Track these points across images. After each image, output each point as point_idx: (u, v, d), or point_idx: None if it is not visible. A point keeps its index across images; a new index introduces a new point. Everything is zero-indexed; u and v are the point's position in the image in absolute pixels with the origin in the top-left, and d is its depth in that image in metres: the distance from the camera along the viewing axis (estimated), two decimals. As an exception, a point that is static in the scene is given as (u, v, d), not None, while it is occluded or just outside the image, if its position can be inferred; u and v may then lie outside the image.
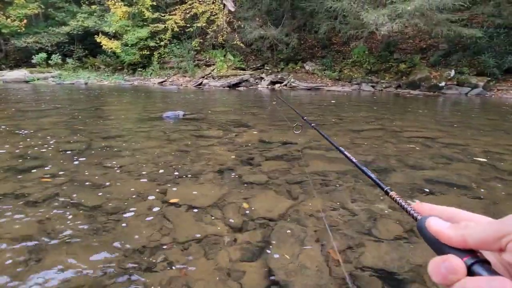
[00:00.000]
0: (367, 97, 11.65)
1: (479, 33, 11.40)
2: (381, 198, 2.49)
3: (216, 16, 17.40)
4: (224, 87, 15.31)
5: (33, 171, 2.97)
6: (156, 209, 2.28)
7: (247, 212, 2.25)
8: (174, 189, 2.63)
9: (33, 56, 19.30)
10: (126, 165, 3.19)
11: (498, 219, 0.28)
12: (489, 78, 12.23)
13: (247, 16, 17.38)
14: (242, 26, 16.96)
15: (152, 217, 2.16)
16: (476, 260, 0.28)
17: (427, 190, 2.67)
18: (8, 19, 18.69)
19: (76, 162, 3.26)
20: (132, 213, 2.21)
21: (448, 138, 4.57)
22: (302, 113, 1.96)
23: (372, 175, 0.59)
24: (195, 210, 2.26)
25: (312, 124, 1.47)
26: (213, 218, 2.16)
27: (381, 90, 13.83)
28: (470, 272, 0.28)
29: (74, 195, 2.47)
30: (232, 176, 2.93)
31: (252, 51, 18.71)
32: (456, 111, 8.23)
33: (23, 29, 18.96)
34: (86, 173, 2.95)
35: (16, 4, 18.85)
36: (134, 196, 2.48)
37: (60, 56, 19.73)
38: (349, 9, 12.45)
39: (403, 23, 10.71)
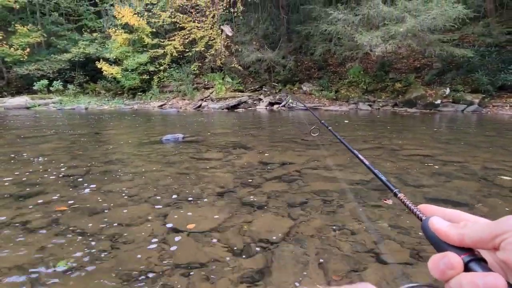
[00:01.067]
0: (364, 116, 11.77)
1: (470, 53, 11.69)
2: (384, 217, 2.48)
3: (214, 41, 17.87)
4: (223, 109, 15.49)
5: (33, 197, 2.96)
6: (156, 234, 2.26)
7: (248, 235, 2.23)
8: (175, 213, 2.61)
9: (35, 83, 19.62)
10: (126, 190, 3.18)
11: (495, 220, 0.30)
12: (484, 95, 12.42)
13: (244, 40, 17.87)
14: (240, 49, 17.40)
15: (152, 243, 2.14)
16: (473, 257, 0.30)
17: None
18: (11, 48, 19.15)
19: (76, 188, 3.26)
20: (132, 239, 2.19)
21: (447, 155, 4.59)
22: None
23: (383, 177, 0.61)
24: (196, 235, 2.25)
25: (329, 128, 1.54)
26: (214, 242, 2.14)
27: (378, 108, 14.00)
28: (467, 269, 0.30)
29: (74, 222, 2.46)
30: (232, 198, 2.92)
31: (250, 74, 19.07)
32: (453, 128, 8.30)
33: (26, 57, 19.37)
34: (86, 199, 2.94)
35: (19, 33, 19.37)
36: (134, 221, 2.46)
37: (61, 83, 20.07)
38: (343, 31, 12.83)
39: (396, 44, 11.02)
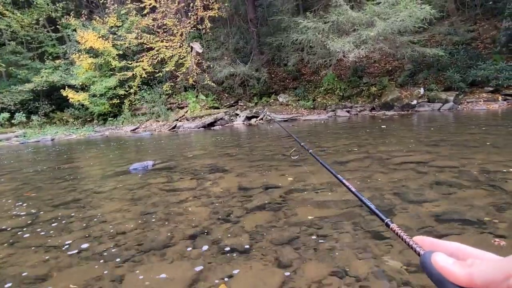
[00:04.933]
0: (344, 123, 11.55)
1: (441, 52, 11.82)
2: (391, 251, 2.03)
3: (184, 59, 17.41)
4: (199, 128, 14.93)
5: (-52, 269, 2.30)
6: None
7: (227, 300, 1.70)
8: (134, 273, 2.04)
9: (-6, 117, 18.38)
10: (75, 243, 2.58)
11: (506, 257, 0.28)
12: (457, 92, 12.57)
13: (215, 56, 17.53)
14: (212, 66, 17.02)
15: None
16: None
17: (440, 231, 2.23)
18: (-34, 82, 17.89)
19: (12, 247, 2.62)
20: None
21: (439, 160, 4.26)
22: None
23: (372, 205, 0.56)
24: (158, 306, 1.69)
25: (310, 151, 1.40)
26: (181, 317, 1.60)
27: (356, 114, 13.89)
28: None
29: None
30: (207, 242, 2.38)
31: (224, 89, 18.68)
32: (435, 128, 8.13)
33: (-18, 91, 18.14)
34: (22, 263, 2.32)
35: (-26, 66, 18.18)
36: (78, 292, 1.88)
37: (24, 114, 18.88)
38: (315, 40, 12.71)
39: (368, 48, 10.95)
